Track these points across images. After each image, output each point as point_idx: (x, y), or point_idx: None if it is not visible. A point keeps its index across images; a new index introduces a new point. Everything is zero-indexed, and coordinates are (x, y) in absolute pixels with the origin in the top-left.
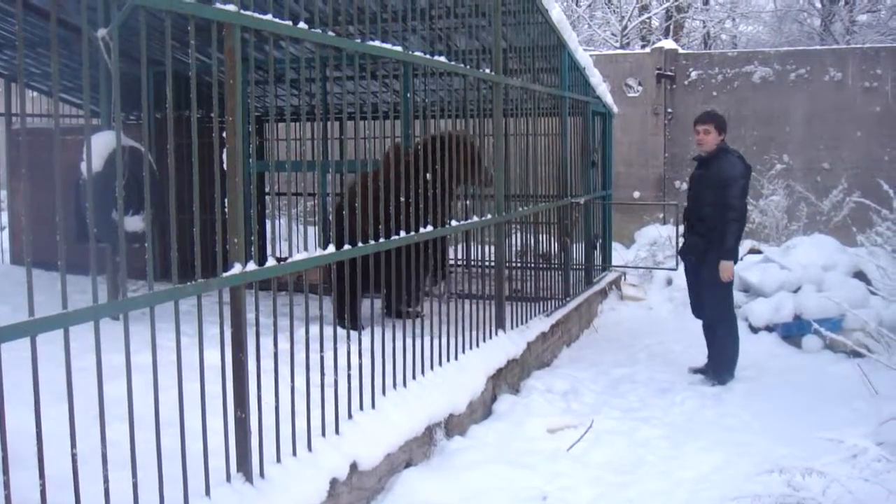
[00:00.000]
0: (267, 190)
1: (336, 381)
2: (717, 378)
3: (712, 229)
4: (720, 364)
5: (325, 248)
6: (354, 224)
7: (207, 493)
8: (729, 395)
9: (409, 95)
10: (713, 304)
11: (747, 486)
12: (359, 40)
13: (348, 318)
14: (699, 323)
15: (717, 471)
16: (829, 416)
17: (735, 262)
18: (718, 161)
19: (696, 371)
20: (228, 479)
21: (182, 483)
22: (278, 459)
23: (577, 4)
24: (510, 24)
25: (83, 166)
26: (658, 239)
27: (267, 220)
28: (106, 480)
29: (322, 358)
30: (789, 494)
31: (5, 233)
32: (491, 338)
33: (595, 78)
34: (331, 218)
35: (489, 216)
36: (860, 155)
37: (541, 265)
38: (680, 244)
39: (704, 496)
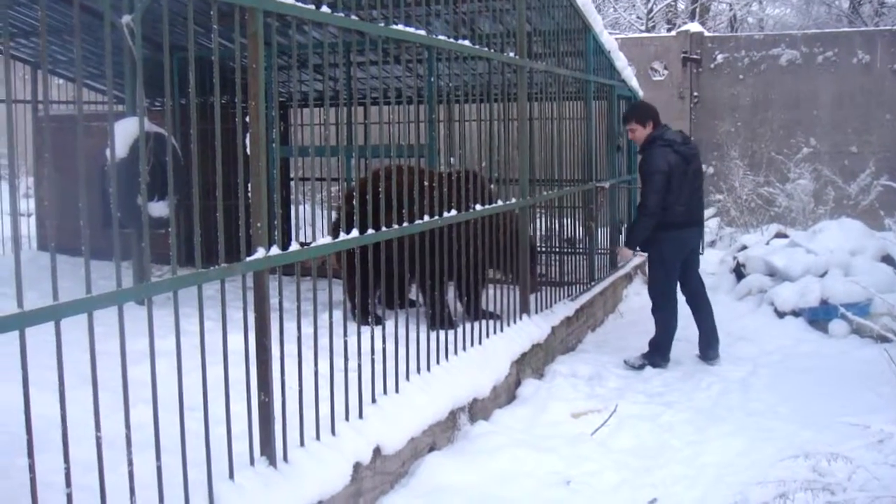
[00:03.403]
0: (291, 175)
1: (360, 366)
2: (649, 359)
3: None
4: (653, 346)
5: (348, 232)
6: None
7: (231, 476)
8: (754, 379)
9: (432, 80)
10: (650, 286)
11: (772, 471)
12: (382, 24)
13: (372, 309)
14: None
15: (742, 456)
16: (855, 401)
17: (634, 252)
18: (645, 153)
19: (699, 357)
20: (252, 462)
21: (206, 466)
22: (302, 443)
23: None
24: (535, 7)
25: (108, 152)
26: None
27: (292, 206)
28: (130, 464)
29: (345, 342)
30: (814, 480)
31: (32, 219)
32: (515, 322)
33: (620, 61)
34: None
35: (514, 200)
36: (889, 138)
37: (566, 249)
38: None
39: (729, 481)
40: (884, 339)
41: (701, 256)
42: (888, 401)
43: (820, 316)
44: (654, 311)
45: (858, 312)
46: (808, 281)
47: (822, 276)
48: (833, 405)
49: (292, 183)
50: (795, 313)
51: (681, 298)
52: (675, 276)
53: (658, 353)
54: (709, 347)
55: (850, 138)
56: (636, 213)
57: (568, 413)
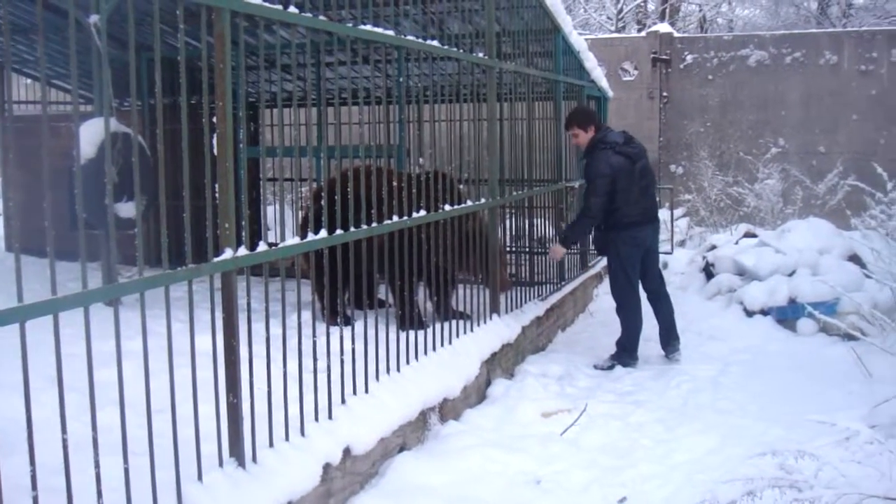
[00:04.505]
0: (262, 176)
1: (329, 367)
2: (617, 359)
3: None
4: (620, 346)
5: (316, 232)
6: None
7: (200, 478)
8: (723, 378)
9: (401, 80)
10: (612, 286)
11: (741, 468)
12: (351, 24)
13: (341, 309)
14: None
15: (712, 454)
16: (823, 399)
17: (567, 249)
18: (589, 157)
19: (666, 356)
20: (221, 464)
21: (174, 468)
22: (271, 444)
23: None
24: (504, 7)
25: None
26: None
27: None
28: (97, 466)
29: (314, 343)
30: (782, 477)
31: (0, 220)
32: (486, 322)
33: (590, 62)
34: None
35: (483, 200)
36: (856, 138)
37: (536, 249)
38: (674, 228)
39: (698, 479)
40: (851, 338)
41: (670, 256)
42: (856, 398)
43: (788, 315)
44: (618, 311)
45: (826, 311)
46: (776, 280)
47: (791, 275)
48: (801, 403)
49: (263, 184)
50: (764, 312)
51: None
52: (635, 275)
53: (626, 353)
54: (667, 343)
55: (817, 138)
56: (577, 214)
57: (538, 413)
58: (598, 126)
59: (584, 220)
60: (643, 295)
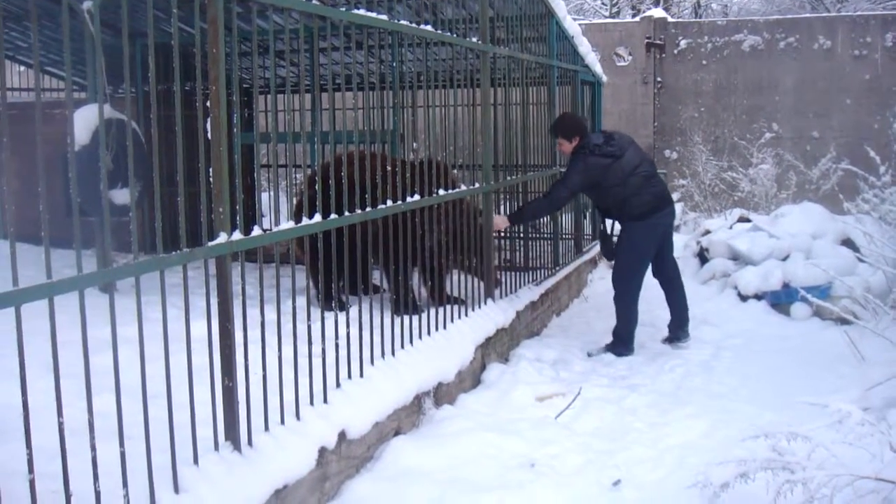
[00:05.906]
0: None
1: (324, 351)
2: (612, 349)
3: (614, 215)
4: (617, 336)
5: (310, 217)
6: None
7: (196, 461)
8: (717, 362)
9: (394, 65)
10: (616, 273)
11: (733, 451)
12: (345, 9)
13: (336, 294)
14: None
15: (704, 437)
16: (816, 383)
17: (512, 225)
18: (571, 160)
19: (665, 340)
20: (217, 447)
21: (170, 452)
22: (266, 428)
23: None
24: None
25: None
26: None
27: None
28: (93, 449)
29: (309, 328)
30: (774, 459)
31: None
32: (480, 307)
33: (584, 47)
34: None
35: (477, 185)
36: (849, 123)
37: (530, 235)
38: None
39: (691, 462)
40: (844, 322)
41: None
42: (849, 381)
43: (782, 299)
44: (615, 299)
45: (819, 295)
46: (770, 264)
47: (785, 259)
48: (794, 387)
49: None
50: (758, 296)
51: (653, 283)
52: (646, 264)
53: (622, 343)
54: (679, 329)
55: (811, 123)
56: (542, 196)
57: (532, 397)
58: (583, 135)
59: (543, 203)
60: (654, 282)
